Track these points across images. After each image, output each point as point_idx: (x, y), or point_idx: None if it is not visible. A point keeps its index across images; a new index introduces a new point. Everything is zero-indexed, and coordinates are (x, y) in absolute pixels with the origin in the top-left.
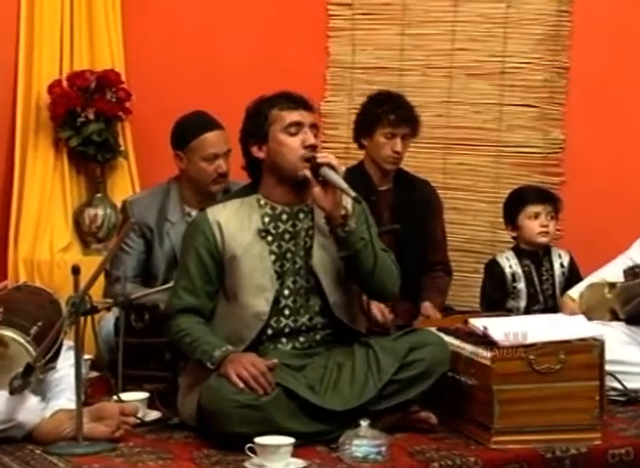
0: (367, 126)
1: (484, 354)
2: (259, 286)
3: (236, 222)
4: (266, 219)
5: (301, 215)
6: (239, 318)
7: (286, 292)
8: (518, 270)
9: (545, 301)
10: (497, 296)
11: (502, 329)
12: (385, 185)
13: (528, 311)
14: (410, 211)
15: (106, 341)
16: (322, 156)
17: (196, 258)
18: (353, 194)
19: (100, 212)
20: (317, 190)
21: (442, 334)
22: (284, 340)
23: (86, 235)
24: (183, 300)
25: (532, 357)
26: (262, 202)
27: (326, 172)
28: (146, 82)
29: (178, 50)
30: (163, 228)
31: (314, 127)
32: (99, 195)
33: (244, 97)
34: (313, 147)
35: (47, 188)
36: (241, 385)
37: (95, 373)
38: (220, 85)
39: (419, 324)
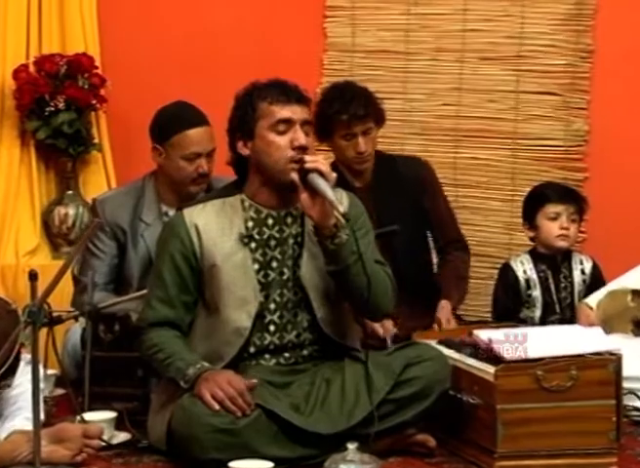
0: (323, 130)
1: (487, 369)
2: (240, 298)
3: (216, 226)
4: (250, 224)
5: (289, 220)
6: (219, 333)
7: (272, 305)
8: (533, 276)
9: (563, 311)
10: (509, 305)
11: (509, 341)
12: (365, 181)
13: (543, 322)
14: (397, 199)
15: (72, 355)
16: (310, 160)
17: (171, 265)
18: (341, 209)
19: (72, 211)
20: (305, 197)
21: (443, 348)
22: (267, 356)
23: (55, 237)
24: (157, 312)
25: (540, 373)
26: (247, 204)
27: (313, 179)
28: (124, 67)
29: (160, 31)
30: (137, 230)
31: (307, 124)
32: (70, 192)
33: (233, 85)
34: (303, 148)
35: (12, 185)
36: (216, 407)
37: (60, 391)
38: (207, 70)
39: (417, 336)
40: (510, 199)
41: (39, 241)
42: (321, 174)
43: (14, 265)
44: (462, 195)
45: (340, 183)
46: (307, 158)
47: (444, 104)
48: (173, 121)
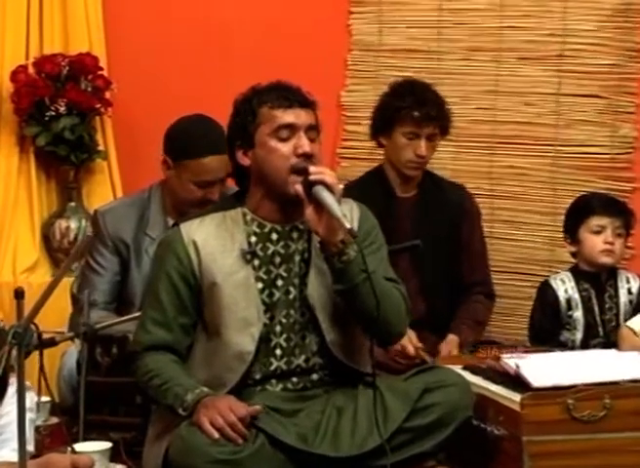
0: (385, 122)
1: (513, 397)
2: (242, 319)
3: (216, 242)
4: (253, 239)
5: (295, 235)
6: (219, 358)
7: (277, 328)
8: (575, 295)
9: (607, 334)
10: (548, 327)
11: (539, 366)
12: (408, 192)
13: (585, 345)
14: (437, 220)
15: (69, 380)
16: (315, 172)
17: (168, 284)
18: (348, 225)
19: (74, 224)
20: (310, 212)
21: (467, 374)
22: (273, 382)
23: (56, 252)
24: (153, 335)
25: (570, 401)
26: (249, 217)
27: (318, 192)
28: (131, 68)
29: (170, 30)
30: (141, 244)
31: (312, 129)
32: (72, 204)
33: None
34: (307, 156)
35: (9, 196)
36: (215, 435)
37: (56, 419)
38: (221, 71)
39: (441, 360)
40: (551, 211)
41: (38, 256)
42: (327, 186)
43: (11, 283)
44: (498, 207)
45: (383, 190)
46: (312, 169)
47: (478, 108)
48: (190, 144)
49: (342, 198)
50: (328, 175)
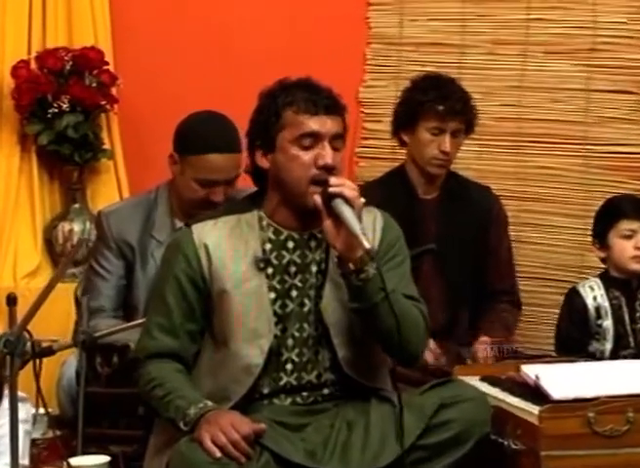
0: (408, 117)
1: (531, 410)
2: (252, 330)
3: (229, 246)
4: (268, 246)
5: (313, 244)
6: (226, 370)
7: (289, 341)
8: (604, 304)
9: (638, 345)
10: (575, 336)
11: (559, 377)
12: (431, 193)
13: (615, 356)
14: (462, 223)
15: (68, 391)
16: (335, 184)
17: (176, 288)
18: (367, 245)
19: (78, 227)
20: (328, 225)
21: (486, 385)
22: (282, 396)
23: (59, 256)
24: (158, 341)
25: (592, 415)
26: (265, 222)
27: (338, 206)
28: (138, 62)
29: (180, 22)
30: (147, 247)
31: (338, 138)
32: (76, 206)
33: (262, 83)
34: (329, 168)
35: (10, 197)
36: (217, 453)
37: (57, 432)
38: (234, 66)
39: (458, 371)
40: (581, 214)
41: (40, 261)
42: (346, 200)
43: (11, 288)
44: (525, 210)
45: (405, 192)
46: (332, 180)
47: (503, 105)
48: (194, 139)
49: (366, 206)
50: (348, 189)
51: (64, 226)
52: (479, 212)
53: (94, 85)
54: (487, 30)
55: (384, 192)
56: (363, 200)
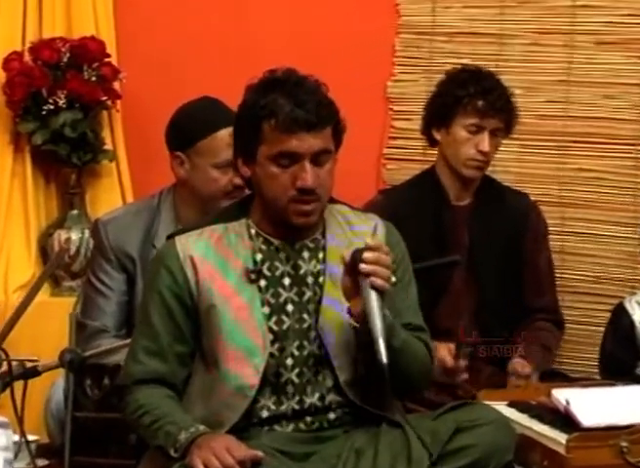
0: (443, 113)
1: (558, 439)
2: (244, 348)
3: (216, 258)
4: (259, 256)
5: (306, 255)
6: (218, 393)
7: (288, 361)
8: None
9: None
10: (621, 357)
11: (592, 403)
12: (464, 199)
13: None
14: (497, 232)
15: (57, 416)
16: (369, 260)
17: (161, 307)
18: (384, 359)
19: (76, 235)
20: (346, 281)
21: (513, 411)
22: (284, 422)
23: (55, 268)
24: (145, 366)
25: (624, 444)
26: (253, 231)
27: (365, 288)
28: (143, 54)
29: (189, 11)
30: (149, 259)
31: (323, 153)
32: (74, 212)
33: None
34: (307, 192)
35: (2, 202)
36: None
37: (43, 462)
38: (249, 59)
39: (483, 395)
40: (632, 222)
41: (34, 273)
42: (375, 289)
43: (2, 303)
44: (570, 217)
45: (435, 197)
46: (367, 254)
47: (547, 101)
48: (199, 121)
49: (368, 213)
50: (380, 271)
51: (61, 235)
52: (515, 220)
53: (93, 79)
54: (529, 18)
55: (412, 197)
56: (393, 280)
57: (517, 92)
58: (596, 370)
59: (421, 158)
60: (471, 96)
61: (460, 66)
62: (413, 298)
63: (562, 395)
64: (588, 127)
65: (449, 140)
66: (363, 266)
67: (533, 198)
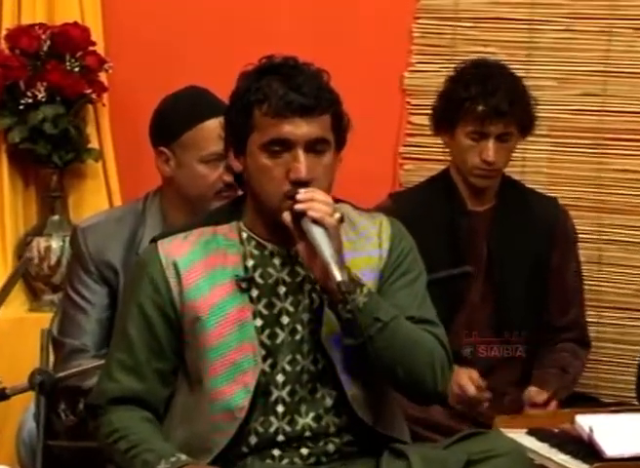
0: (446, 117)
1: None
2: (233, 366)
3: (203, 265)
4: (250, 262)
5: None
6: (203, 415)
7: (279, 377)
8: None
9: None
10: None
11: (617, 431)
12: (483, 204)
13: None
14: (521, 241)
15: (29, 444)
16: (301, 199)
17: (139, 318)
18: (338, 276)
19: (56, 243)
20: (301, 248)
21: (532, 440)
22: (276, 452)
23: (34, 280)
24: (120, 384)
25: None
26: (245, 235)
27: (306, 226)
28: (133, 43)
29: None
30: None
31: (320, 143)
32: (54, 218)
33: None
34: (302, 184)
35: None
36: None
37: None
38: (251, 46)
39: (500, 422)
40: None
41: None
42: (314, 220)
43: None
44: (609, 224)
45: (450, 201)
46: (299, 195)
47: (583, 94)
48: (183, 111)
49: (372, 212)
50: (316, 204)
51: (40, 243)
52: (541, 228)
53: (77, 69)
54: (562, 2)
55: (424, 201)
56: (337, 216)
57: (548, 83)
58: (634, 395)
59: (442, 157)
60: (472, 99)
61: (471, 61)
62: (421, 292)
63: (586, 422)
64: (628, 123)
65: (455, 147)
66: (297, 205)
67: (567, 202)
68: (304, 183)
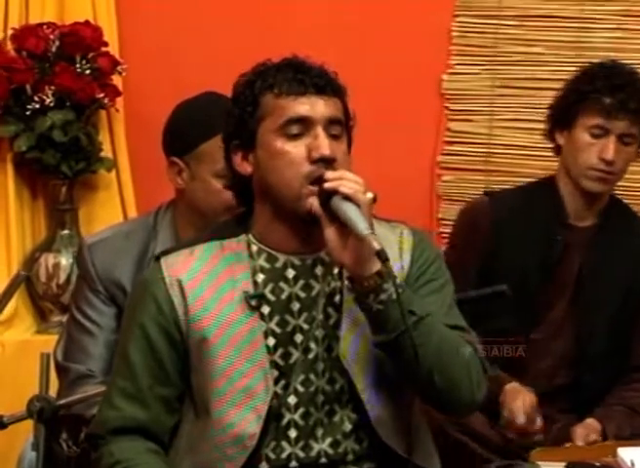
0: (565, 112)
1: None
2: (244, 390)
3: (209, 281)
4: (260, 277)
5: (320, 271)
6: (210, 443)
7: (291, 399)
8: None
9: None
10: None
11: None
12: (586, 220)
13: None
14: (619, 266)
15: None
16: (331, 178)
17: (142, 342)
18: (376, 245)
19: (66, 260)
20: (331, 234)
21: None
22: None
23: (42, 299)
24: (122, 412)
25: None
26: (255, 248)
27: (336, 204)
28: (151, 43)
29: None
30: None
31: (336, 124)
32: (64, 232)
33: None
34: (327, 161)
35: None
36: None
37: None
38: (274, 48)
39: (535, 455)
40: None
41: (17, 305)
42: (347, 197)
43: None
44: None
45: (551, 211)
46: (328, 174)
47: None
48: (199, 121)
49: (395, 223)
50: (348, 182)
51: (48, 259)
52: (636, 254)
53: (88, 72)
54: None
55: (523, 207)
56: (370, 195)
57: None
58: None
59: (483, 167)
60: (598, 91)
61: (597, 62)
62: (447, 300)
63: (628, 455)
64: None
65: (570, 146)
66: (328, 184)
67: None
68: (329, 161)
